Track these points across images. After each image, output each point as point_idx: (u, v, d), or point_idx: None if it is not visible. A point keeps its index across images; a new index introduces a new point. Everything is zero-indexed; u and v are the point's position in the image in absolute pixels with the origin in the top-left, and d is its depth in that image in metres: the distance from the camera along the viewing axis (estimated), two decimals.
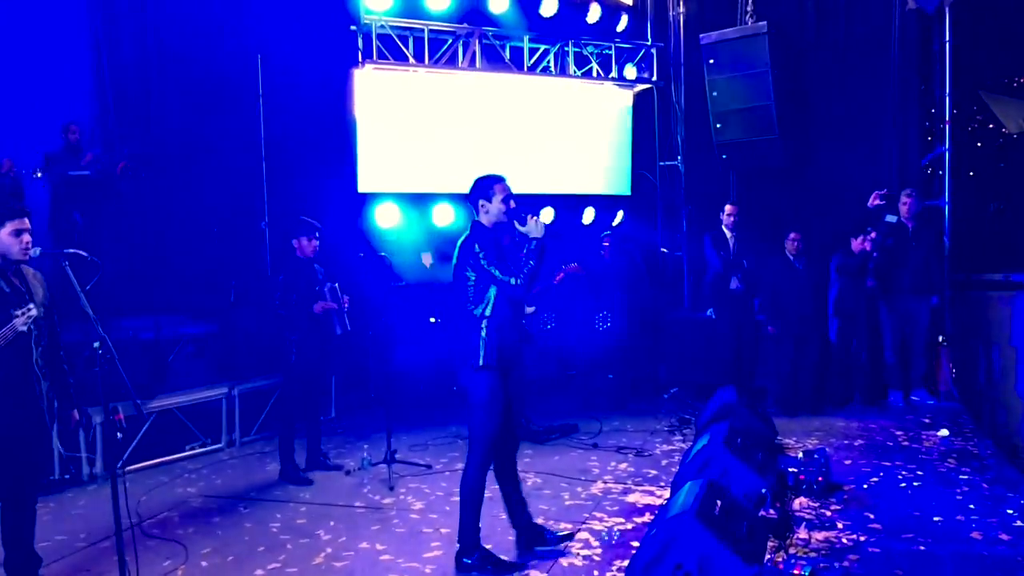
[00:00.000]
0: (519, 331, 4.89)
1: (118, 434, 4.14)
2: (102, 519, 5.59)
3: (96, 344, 3.95)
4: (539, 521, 5.31)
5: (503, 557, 4.91)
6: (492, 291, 4.71)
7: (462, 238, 4.83)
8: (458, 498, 6.18)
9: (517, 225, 4.77)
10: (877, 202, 8.71)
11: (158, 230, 8.99)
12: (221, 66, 9.01)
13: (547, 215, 9.60)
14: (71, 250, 4.13)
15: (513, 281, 4.63)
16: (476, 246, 4.70)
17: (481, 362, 4.71)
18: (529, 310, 7.95)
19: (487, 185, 4.86)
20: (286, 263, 6.94)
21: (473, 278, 4.72)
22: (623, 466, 6.99)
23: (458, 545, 4.89)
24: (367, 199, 8.82)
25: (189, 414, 7.72)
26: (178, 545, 5.32)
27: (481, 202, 4.84)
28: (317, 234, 6.85)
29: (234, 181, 9.05)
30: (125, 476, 6.80)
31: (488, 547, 4.91)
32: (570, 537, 5.22)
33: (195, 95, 9.06)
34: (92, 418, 6.48)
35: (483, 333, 4.71)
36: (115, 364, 3.96)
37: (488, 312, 4.71)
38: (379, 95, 8.92)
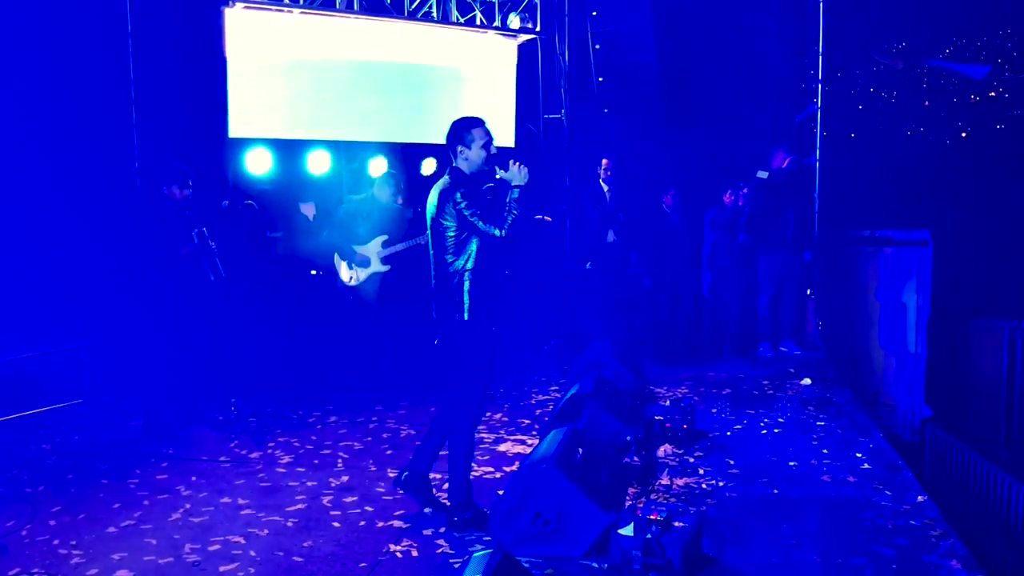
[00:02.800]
0: (502, 282, 4.65)
1: None
2: None
3: None
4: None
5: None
6: (474, 242, 4.43)
7: (441, 186, 4.50)
8: (330, 451, 6.17)
9: (499, 171, 4.49)
10: (786, 163, 8.85)
11: (12, 173, 8.44)
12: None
13: (429, 166, 9.44)
14: None
15: (498, 232, 4.36)
16: (458, 195, 4.38)
17: (467, 316, 4.45)
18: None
19: (464, 129, 4.51)
20: (156, 209, 6.72)
21: (453, 228, 4.42)
22: (498, 416, 7.01)
23: (448, 504, 4.67)
24: (237, 144, 8.47)
25: (47, 367, 7.34)
26: (25, 504, 5.06)
27: (460, 148, 4.50)
28: (190, 182, 6.70)
29: (100, 122, 8.55)
30: None
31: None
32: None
33: (57, 29, 8.48)
34: None
35: (467, 286, 4.43)
36: None
37: (470, 264, 4.43)
38: (251, 36, 8.51)
